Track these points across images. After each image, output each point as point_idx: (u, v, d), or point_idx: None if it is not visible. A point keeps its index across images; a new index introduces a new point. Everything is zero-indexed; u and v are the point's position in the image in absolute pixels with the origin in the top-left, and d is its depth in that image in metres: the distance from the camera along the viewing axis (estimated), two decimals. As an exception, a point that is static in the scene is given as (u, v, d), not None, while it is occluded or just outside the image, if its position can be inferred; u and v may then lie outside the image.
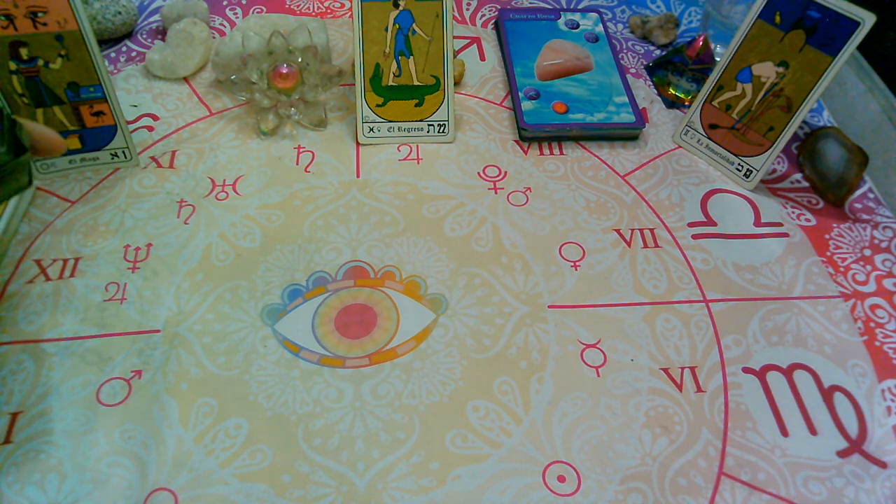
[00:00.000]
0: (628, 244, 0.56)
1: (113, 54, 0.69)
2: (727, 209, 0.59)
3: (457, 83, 0.68)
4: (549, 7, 0.78)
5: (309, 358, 0.48)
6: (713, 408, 0.47)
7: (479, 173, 0.60)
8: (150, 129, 0.62)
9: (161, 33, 0.72)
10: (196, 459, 0.43)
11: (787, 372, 0.49)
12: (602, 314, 0.51)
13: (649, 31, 0.76)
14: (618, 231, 0.57)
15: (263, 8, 0.76)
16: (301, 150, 0.61)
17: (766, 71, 0.57)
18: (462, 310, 0.51)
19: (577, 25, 0.73)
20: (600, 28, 0.73)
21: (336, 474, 0.43)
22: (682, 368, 0.49)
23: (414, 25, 0.60)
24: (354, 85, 0.61)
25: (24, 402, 0.44)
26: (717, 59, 0.66)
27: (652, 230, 0.57)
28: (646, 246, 0.56)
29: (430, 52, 0.61)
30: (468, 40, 0.74)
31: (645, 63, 0.73)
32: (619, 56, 0.72)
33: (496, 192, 0.59)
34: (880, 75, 0.75)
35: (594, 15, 0.74)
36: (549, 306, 0.51)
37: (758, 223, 0.58)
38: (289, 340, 0.48)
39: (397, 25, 0.60)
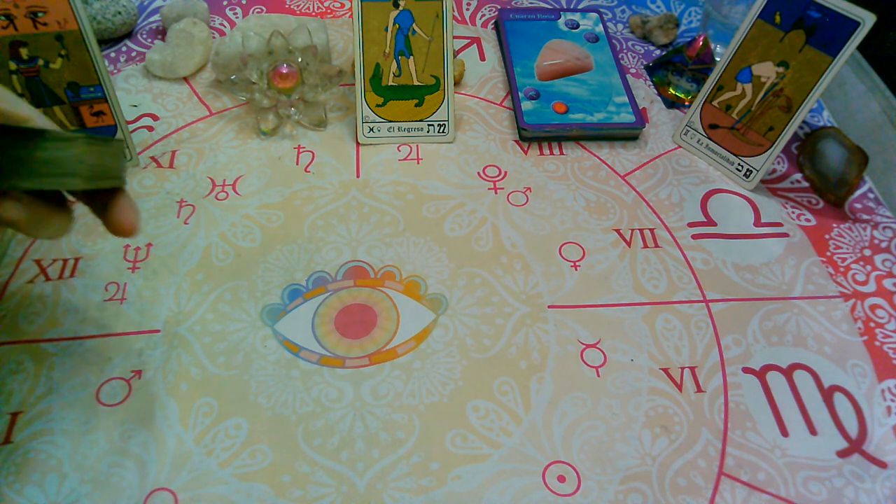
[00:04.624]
0: (628, 244, 0.56)
1: (113, 54, 0.69)
2: (727, 209, 0.59)
3: (457, 83, 0.68)
4: (549, 7, 0.78)
5: (309, 358, 0.48)
6: (713, 408, 0.47)
7: (479, 173, 0.60)
8: (150, 129, 0.62)
9: (161, 33, 0.72)
10: (196, 459, 0.43)
11: (787, 372, 0.49)
12: (602, 314, 0.51)
13: (649, 31, 0.76)
14: (618, 231, 0.57)
15: (263, 8, 0.76)
16: (301, 150, 0.61)
17: (766, 71, 0.57)
18: (462, 310, 0.51)
19: (577, 25, 0.73)
20: (600, 28, 0.73)
21: (336, 474, 0.43)
22: (682, 368, 0.49)
23: (414, 25, 0.60)
24: (354, 85, 0.61)
25: (24, 402, 0.44)
26: (717, 59, 0.66)
27: (652, 230, 0.57)
28: (646, 246, 0.56)
29: (430, 52, 0.61)
30: (468, 40, 0.74)
31: (645, 63, 0.73)
32: (619, 56, 0.72)
33: (496, 192, 0.59)
34: (880, 75, 0.75)
35: (594, 15, 0.74)
36: (549, 306, 0.51)
37: (758, 223, 0.58)
38: (289, 340, 0.48)
39: (397, 25, 0.60)
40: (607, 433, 0.45)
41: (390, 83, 0.61)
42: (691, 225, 0.58)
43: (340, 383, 0.47)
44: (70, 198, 0.36)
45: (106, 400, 0.45)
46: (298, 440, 0.44)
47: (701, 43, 0.67)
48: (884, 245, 0.57)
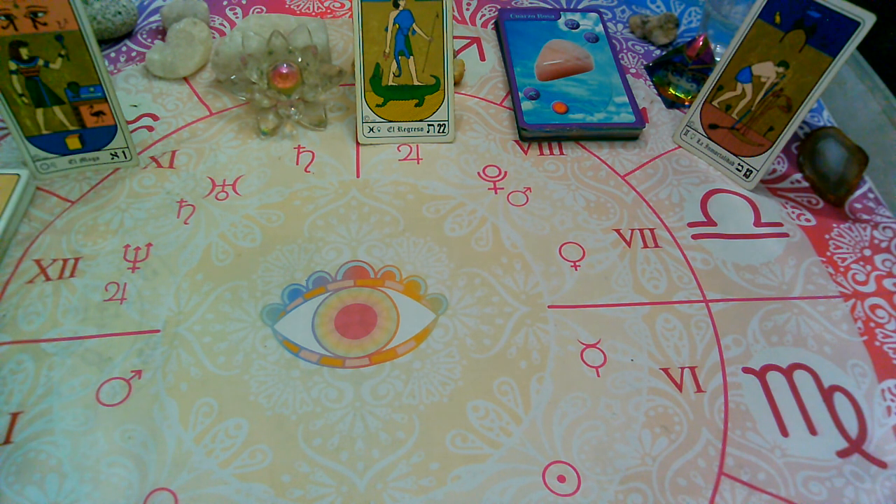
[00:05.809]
0: (628, 244, 0.56)
1: (113, 54, 0.69)
2: (727, 209, 0.59)
3: (457, 83, 0.68)
4: (549, 7, 0.78)
5: (309, 358, 0.48)
6: (713, 408, 0.47)
7: (479, 173, 0.60)
8: (150, 129, 0.62)
9: (161, 33, 0.72)
10: (196, 459, 0.43)
11: (787, 372, 0.49)
12: (602, 314, 0.51)
13: (649, 31, 0.76)
14: (618, 231, 0.57)
15: (263, 8, 0.76)
16: (301, 150, 0.61)
17: (766, 71, 0.57)
18: (462, 310, 0.51)
19: (577, 25, 0.73)
20: (600, 28, 0.73)
21: (336, 474, 0.43)
22: (682, 368, 0.49)
23: (414, 25, 0.60)
24: (354, 85, 0.61)
25: (24, 402, 0.44)
26: (717, 59, 0.66)
27: (652, 230, 0.57)
28: (646, 246, 0.56)
29: (430, 52, 0.61)
30: (468, 40, 0.74)
31: (645, 63, 0.73)
32: (619, 56, 0.72)
33: (496, 192, 0.59)
34: (880, 75, 0.75)
35: (594, 15, 0.74)
36: (549, 306, 0.51)
37: (758, 223, 0.58)
38: (289, 340, 0.48)
39: (397, 25, 0.60)
40: (607, 433, 0.45)
41: (390, 83, 0.61)
42: (691, 225, 0.58)
43: (340, 383, 0.47)
44: None
45: (106, 400, 0.45)
46: (298, 440, 0.44)
47: (701, 43, 0.68)
48: (884, 245, 0.57)
